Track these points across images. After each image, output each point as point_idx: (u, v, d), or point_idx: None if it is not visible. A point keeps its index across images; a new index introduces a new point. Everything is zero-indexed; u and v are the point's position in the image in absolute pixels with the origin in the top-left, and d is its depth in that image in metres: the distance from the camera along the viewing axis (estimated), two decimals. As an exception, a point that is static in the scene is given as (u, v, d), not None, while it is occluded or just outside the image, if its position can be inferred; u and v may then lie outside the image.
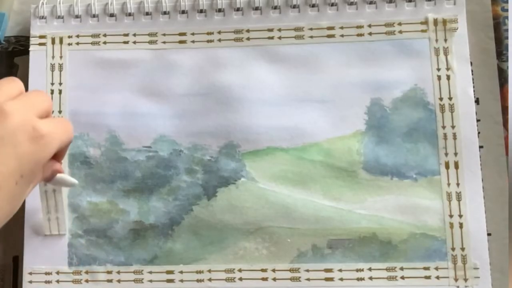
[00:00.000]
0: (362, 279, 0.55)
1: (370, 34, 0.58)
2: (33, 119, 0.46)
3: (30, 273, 0.57)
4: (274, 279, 0.56)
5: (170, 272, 0.57)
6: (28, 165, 0.45)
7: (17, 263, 0.60)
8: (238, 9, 0.59)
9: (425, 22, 0.58)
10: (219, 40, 0.59)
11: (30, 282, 0.57)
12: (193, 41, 0.60)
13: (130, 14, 0.60)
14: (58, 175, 0.53)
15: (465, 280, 0.55)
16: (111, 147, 0.59)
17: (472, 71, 0.57)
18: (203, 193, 0.57)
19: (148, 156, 0.58)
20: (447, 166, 0.56)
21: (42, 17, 0.61)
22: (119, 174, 0.58)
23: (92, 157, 0.59)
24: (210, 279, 0.56)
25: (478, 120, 0.57)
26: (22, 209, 0.57)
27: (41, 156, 0.46)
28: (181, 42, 0.60)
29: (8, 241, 0.60)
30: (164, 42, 0.60)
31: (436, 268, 0.55)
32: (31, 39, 0.61)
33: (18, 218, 0.58)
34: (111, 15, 0.60)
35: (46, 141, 0.46)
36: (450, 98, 0.57)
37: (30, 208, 0.58)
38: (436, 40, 0.57)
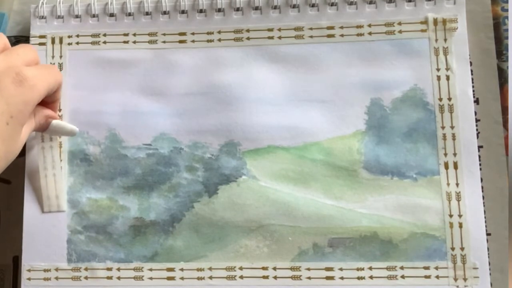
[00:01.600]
0: (362, 278, 0.55)
1: (370, 34, 0.58)
2: (17, 66, 0.49)
3: (29, 270, 0.57)
4: (275, 278, 0.56)
5: (170, 269, 0.57)
6: (16, 106, 0.48)
7: (17, 263, 0.59)
8: (238, 9, 0.60)
9: (425, 22, 0.58)
10: (219, 40, 0.60)
11: (29, 279, 0.57)
12: (193, 41, 0.60)
13: (130, 14, 0.60)
14: (54, 121, 0.55)
15: (465, 279, 0.55)
16: (111, 144, 0.59)
17: (472, 71, 0.57)
18: (204, 190, 0.57)
19: (148, 154, 0.58)
20: (446, 166, 0.56)
21: (42, 17, 0.61)
22: (119, 171, 0.58)
23: (92, 155, 0.59)
24: (210, 277, 0.56)
25: (478, 120, 0.57)
26: (20, 201, 0.58)
27: (29, 97, 0.49)
28: (181, 42, 0.60)
29: (8, 241, 0.60)
30: (164, 42, 0.60)
31: (436, 268, 0.55)
32: (31, 39, 0.61)
33: (18, 218, 0.58)
34: (111, 15, 0.61)
35: (31, 83, 0.49)
36: (449, 99, 0.57)
37: (28, 198, 0.58)
38: (436, 40, 0.57)
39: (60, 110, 0.59)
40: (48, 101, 0.55)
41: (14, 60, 0.50)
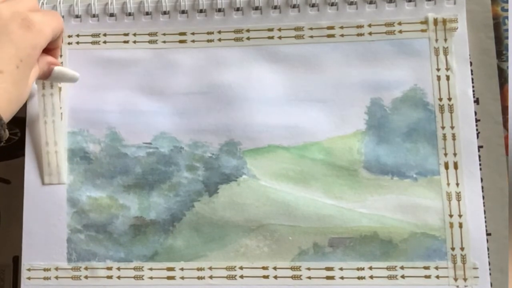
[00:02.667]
0: (362, 278, 0.55)
1: (370, 34, 0.58)
2: (22, 12, 0.50)
3: (29, 269, 0.57)
4: (275, 277, 0.56)
5: (170, 269, 0.57)
6: (25, 50, 0.49)
7: (17, 263, 0.59)
8: (238, 9, 0.60)
9: (425, 22, 0.58)
10: (219, 39, 0.60)
11: (29, 278, 0.57)
12: (193, 41, 0.60)
13: (130, 14, 0.60)
14: (56, 68, 0.56)
15: (465, 279, 0.55)
16: (111, 143, 0.59)
17: (472, 71, 0.57)
18: (204, 190, 0.57)
19: (148, 153, 0.58)
20: (446, 166, 0.56)
21: (42, 17, 0.61)
22: (119, 169, 0.58)
23: (92, 153, 0.59)
24: (211, 277, 0.56)
25: (478, 120, 0.57)
26: (20, 201, 0.58)
27: (36, 41, 0.50)
28: (181, 41, 0.60)
29: (8, 241, 0.60)
30: (164, 42, 0.60)
31: (436, 268, 0.55)
32: (31, 38, 0.61)
33: (18, 218, 0.58)
34: (111, 15, 0.60)
35: (38, 28, 0.50)
36: (449, 99, 0.57)
37: (28, 189, 0.58)
38: (436, 40, 0.57)
39: (60, 108, 0.59)
40: (50, 48, 0.55)
41: (18, 7, 0.51)
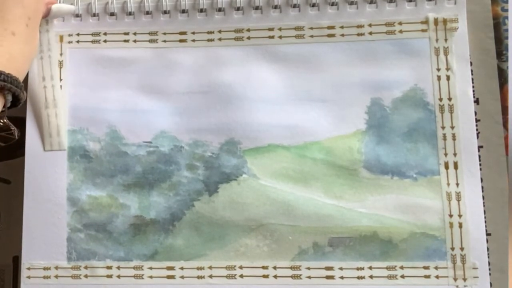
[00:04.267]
0: (362, 277, 0.55)
1: (370, 33, 0.58)
2: None
3: (29, 268, 0.57)
4: (275, 277, 0.56)
5: (170, 268, 0.57)
6: (31, 6, 0.50)
7: (17, 263, 0.59)
8: (238, 9, 0.60)
9: (426, 22, 0.58)
10: (220, 39, 0.60)
11: (29, 277, 0.57)
12: (193, 40, 0.60)
13: (130, 13, 0.60)
14: (54, 6, 0.57)
15: (464, 279, 0.55)
16: (111, 141, 0.59)
17: (472, 71, 0.57)
18: (204, 189, 0.57)
19: (148, 151, 0.58)
20: (446, 166, 0.56)
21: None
22: (119, 168, 0.58)
23: (92, 151, 0.59)
24: (210, 276, 0.56)
25: (478, 120, 0.57)
26: (20, 202, 0.58)
27: None
28: (181, 41, 0.60)
29: (8, 241, 0.60)
30: (164, 41, 0.60)
31: (436, 268, 0.55)
32: (31, 37, 0.61)
33: (18, 218, 0.58)
34: (112, 14, 0.60)
35: None
36: (449, 99, 0.57)
37: (29, 182, 0.58)
38: (437, 40, 0.57)
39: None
40: None
41: None
